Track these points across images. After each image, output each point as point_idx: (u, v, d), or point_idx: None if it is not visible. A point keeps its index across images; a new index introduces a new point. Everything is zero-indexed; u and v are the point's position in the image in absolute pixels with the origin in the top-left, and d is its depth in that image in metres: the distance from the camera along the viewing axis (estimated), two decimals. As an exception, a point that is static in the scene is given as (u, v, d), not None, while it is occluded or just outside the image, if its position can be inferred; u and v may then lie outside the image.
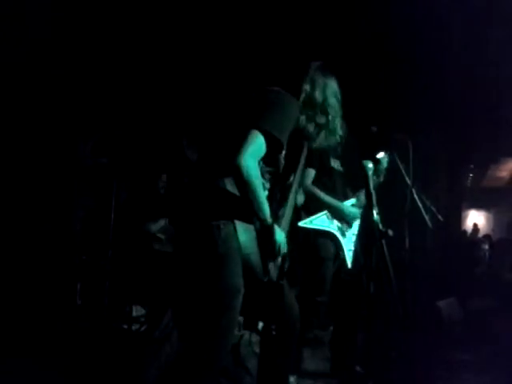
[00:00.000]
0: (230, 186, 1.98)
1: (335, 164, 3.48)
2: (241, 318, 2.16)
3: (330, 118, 2.26)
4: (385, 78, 4.99)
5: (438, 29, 4.48)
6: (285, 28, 4.39)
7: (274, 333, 2.14)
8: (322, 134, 2.26)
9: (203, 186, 2.06)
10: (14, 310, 2.61)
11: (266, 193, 2.18)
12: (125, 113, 4.92)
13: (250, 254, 2.01)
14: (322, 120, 2.25)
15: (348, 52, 4.42)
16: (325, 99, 2.26)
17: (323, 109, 2.25)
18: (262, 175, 2.07)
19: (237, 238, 1.97)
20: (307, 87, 2.24)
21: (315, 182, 3.39)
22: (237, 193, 1.97)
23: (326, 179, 3.41)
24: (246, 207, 1.97)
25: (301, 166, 2.36)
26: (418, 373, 3.18)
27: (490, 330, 4.67)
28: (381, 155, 3.51)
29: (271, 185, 2.22)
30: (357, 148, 3.35)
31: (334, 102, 2.29)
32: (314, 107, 2.24)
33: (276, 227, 2.04)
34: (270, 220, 1.99)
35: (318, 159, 3.39)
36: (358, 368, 3.35)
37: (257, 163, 1.93)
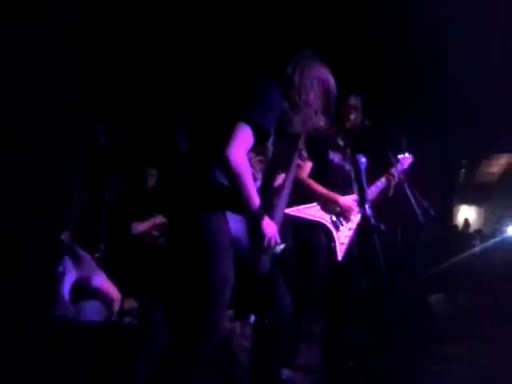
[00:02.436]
0: (221, 177, 1.99)
1: (335, 157, 3.47)
2: (231, 311, 2.16)
3: (304, 98, 2.21)
4: (379, 73, 4.99)
5: (434, 26, 4.48)
6: (284, 25, 4.39)
7: (266, 321, 2.14)
8: (299, 118, 2.21)
9: (193, 177, 2.06)
10: (7, 304, 2.59)
11: (258, 183, 2.18)
12: (119, 105, 4.89)
13: (242, 245, 2.02)
14: (295, 99, 2.20)
15: (344, 47, 4.42)
16: (302, 81, 2.21)
17: (299, 90, 2.21)
18: (252, 165, 2.08)
19: (228, 229, 1.97)
20: (289, 69, 2.22)
21: (312, 175, 3.38)
22: (227, 184, 1.98)
23: (323, 172, 3.40)
24: (236, 198, 1.98)
25: (296, 155, 2.36)
26: (409, 367, 3.20)
27: (481, 325, 4.70)
28: (402, 156, 3.56)
29: (263, 174, 2.23)
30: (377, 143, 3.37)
31: (312, 86, 2.23)
32: (290, 86, 2.20)
33: (266, 218, 2.05)
34: (260, 211, 2.00)
35: (316, 152, 3.38)
36: (350, 363, 3.36)
37: (245, 154, 1.94)
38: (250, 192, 1.95)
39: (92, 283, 3.68)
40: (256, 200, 1.98)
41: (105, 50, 4.06)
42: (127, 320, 3.75)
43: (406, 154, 3.67)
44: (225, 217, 1.98)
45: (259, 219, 2.01)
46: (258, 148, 2.07)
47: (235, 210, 2.00)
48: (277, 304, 2.19)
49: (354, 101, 3.44)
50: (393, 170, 3.52)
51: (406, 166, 3.63)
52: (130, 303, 3.91)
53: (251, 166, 2.07)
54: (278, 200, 2.28)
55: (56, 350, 2.57)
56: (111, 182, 4.44)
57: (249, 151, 1.99)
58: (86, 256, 3.80)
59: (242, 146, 1.92)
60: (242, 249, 2.02)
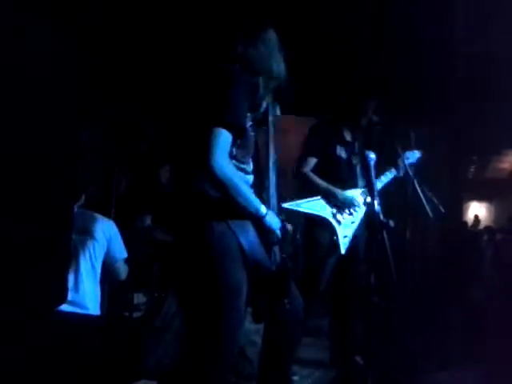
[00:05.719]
0: (209, 188, 1.89)
1: (342, 152, 3.46)
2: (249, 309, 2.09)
3: (261, 57, 2.05)
4: (386, 68, 4.97)
5: (440, 18, 4.46)
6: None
7: (287, 306, 2.05)
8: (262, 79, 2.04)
9: (184, 189, 1.99)
10: (14, 299, 2.60)
11: (252, 177, 2.08)
12: (127, 101, 4.91)
13: (254, 248, 1.94)
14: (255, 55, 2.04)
15: (347, 41, 4.40)
16: (253, 44, 2.05)
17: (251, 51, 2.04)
18: (242, 162, 1.99)
19: (233, 235, 1.89)
20: (239, 48, 2.03)
21: (316, 170, 3.37)
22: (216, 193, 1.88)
23: (328, 167, 3.39)
24: (231, 205, 1.88)
25: (271, 138, 2.17)
26: (416, 363, 3.19)
27: (491, 322, 4.67)
28: (411, 152, 3.56)
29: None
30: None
31: (263, 48, 2.06)
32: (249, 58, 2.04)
33: (270, 213, 1.96)
34: (262, 209, 1.91)
35: (322, 148, 3.37)
36: (357, 358, 3.36)
37: (228, 159, 1.83)
38: (246, 196, 1.86)
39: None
40: (253, 203, 1.89)
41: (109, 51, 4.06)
42: (136, 315, 3.77)
43: (415, 150, 3.66)
44: (227, 224, 1.89)
45: (263, 221, 1.92)
46: (242, 144, 1.96)
47: (236, 216, 1.91)
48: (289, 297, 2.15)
49: (373, 103, 3.43)
50: (400, 163, 3.51)
51: (413, 161, 3.61)
52: (139, 298, 3.93)
53: (241, 162, 1.98)
54: (269, 190, 2.14)
55: (60, 344, 2.58)
56: (122, 176, 4.46)
57: (233, 148, 1.90)
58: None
59: (222, 151, 1.80)
60: (255, 251, 1.95)
